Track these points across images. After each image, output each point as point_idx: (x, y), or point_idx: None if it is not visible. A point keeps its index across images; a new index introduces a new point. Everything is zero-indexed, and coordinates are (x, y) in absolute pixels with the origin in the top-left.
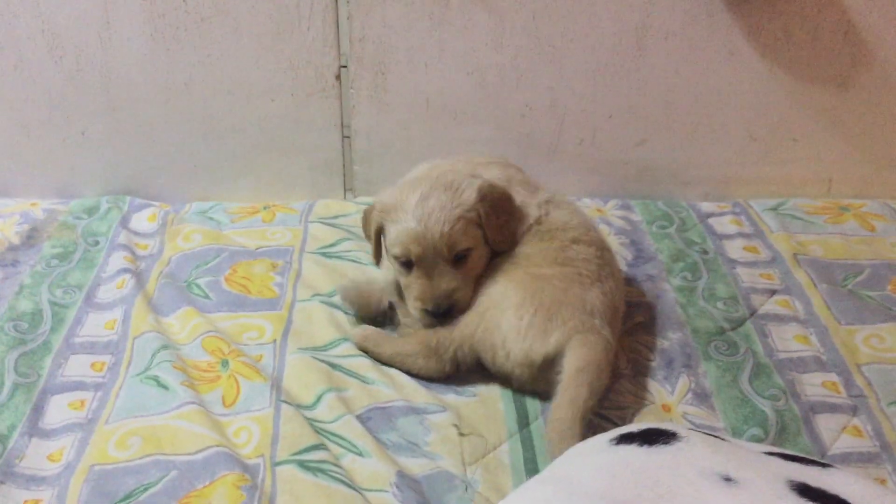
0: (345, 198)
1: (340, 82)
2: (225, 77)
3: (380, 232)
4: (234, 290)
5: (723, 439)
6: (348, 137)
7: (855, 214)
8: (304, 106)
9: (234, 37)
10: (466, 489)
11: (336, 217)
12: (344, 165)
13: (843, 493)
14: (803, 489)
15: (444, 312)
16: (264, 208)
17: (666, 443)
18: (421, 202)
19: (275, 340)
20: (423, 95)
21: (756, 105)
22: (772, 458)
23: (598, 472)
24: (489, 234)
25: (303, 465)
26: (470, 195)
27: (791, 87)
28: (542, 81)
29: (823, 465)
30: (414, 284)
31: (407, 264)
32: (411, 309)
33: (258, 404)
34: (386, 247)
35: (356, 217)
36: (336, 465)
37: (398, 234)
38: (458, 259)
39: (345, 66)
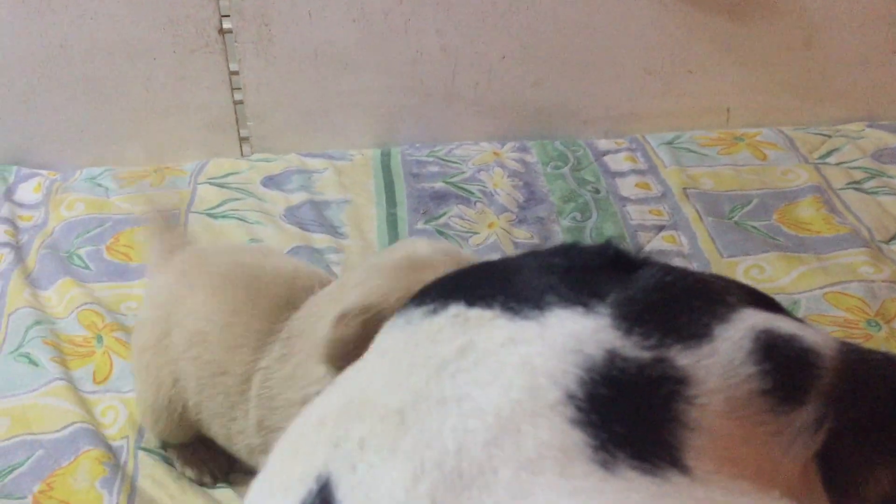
0: (242, 155)
1: (223, 36)
2: (101, 37)
3: None
4: (116, 260)
5: None
6: (239, 88)
7: (749, 144)
8: (188, 63)
9: None
10: None
11: (226, 176)
12: (237, 122)
13: None
14: None
15: None
16: (155, 171)
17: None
18: None
19: None
20: (311, 45)
21: (649, 38)
22: None
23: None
24: None
25: (165, 458)
26: None
27: (684, 17)
28: (430, 25)
29: None
30: None
31: None
32: None
33: (129, 385)
34: None
35: (247, 174)
36: None
37: None
38: None
39: (226, 16)
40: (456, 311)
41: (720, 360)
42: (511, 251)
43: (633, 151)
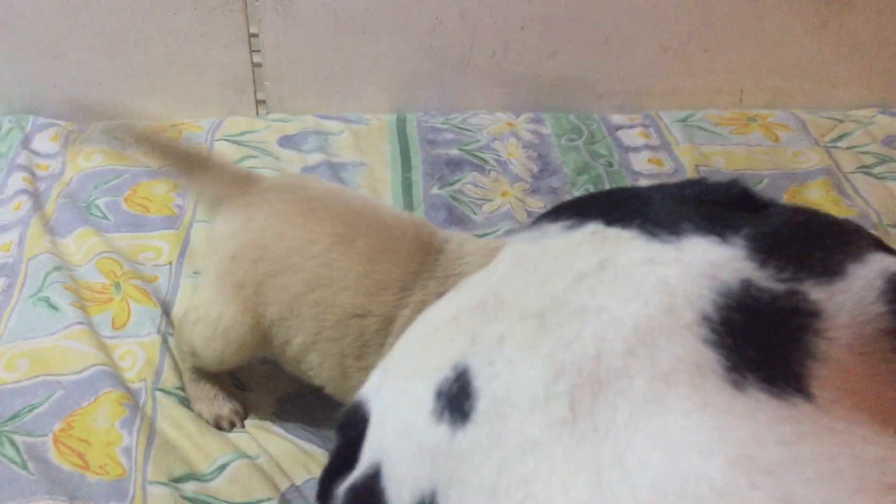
0: (257, 115)
1: None
2: None
3: None
4: (134, 211)
5: None
6: (258, 51)
7: (761, 125)
8: (208, 20)
9: None
10: None
11: (243, 134)
12: (254, 82)
13: None
14: None
15: None
16: (171, 127)
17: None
18: None
19: (170, 262)
20: (331, 8)
21: (667, 15)
22: None
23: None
24: None
25: (183, 400)
26: None
27: None
28: None
29: None
30: None
31: None
32: None
33: (146, 330)
34: None
35: (264, 133)
36: None
37: None
38: None
39: None
40: (594, 228)
41: (852, 297)
42: (524, 220)
43: (647, 127)
